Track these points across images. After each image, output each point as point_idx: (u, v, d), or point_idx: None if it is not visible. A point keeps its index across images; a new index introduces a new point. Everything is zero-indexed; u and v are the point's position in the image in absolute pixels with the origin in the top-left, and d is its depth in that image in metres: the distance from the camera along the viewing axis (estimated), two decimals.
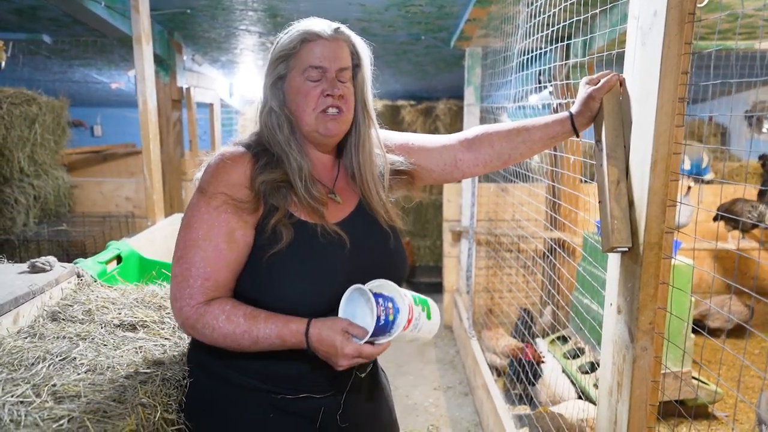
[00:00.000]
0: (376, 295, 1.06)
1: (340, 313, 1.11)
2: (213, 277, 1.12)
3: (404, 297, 1.10)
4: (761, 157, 4.83)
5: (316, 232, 1.17)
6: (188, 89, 5.33)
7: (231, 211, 1.13)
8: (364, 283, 1.13)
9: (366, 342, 1.06)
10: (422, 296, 1.17)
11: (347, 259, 1.19)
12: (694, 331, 3.27)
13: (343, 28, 1.23)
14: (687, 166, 5.00)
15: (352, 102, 1.24)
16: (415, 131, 7.01)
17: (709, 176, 5.02)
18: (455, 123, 6.88)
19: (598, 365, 3.07)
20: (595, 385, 2.97)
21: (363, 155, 1.27)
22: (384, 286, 1.13)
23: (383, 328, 1.06)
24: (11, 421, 0.99)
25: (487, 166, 1.39)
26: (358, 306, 1.11)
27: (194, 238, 1.13)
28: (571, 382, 3.16)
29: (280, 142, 1.20)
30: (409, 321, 1.08)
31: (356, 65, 1.25)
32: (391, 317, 1.06)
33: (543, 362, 3.23)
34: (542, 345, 3.57)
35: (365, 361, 1.09)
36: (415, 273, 6.47)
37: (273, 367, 1.19)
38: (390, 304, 1.07)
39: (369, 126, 1.29)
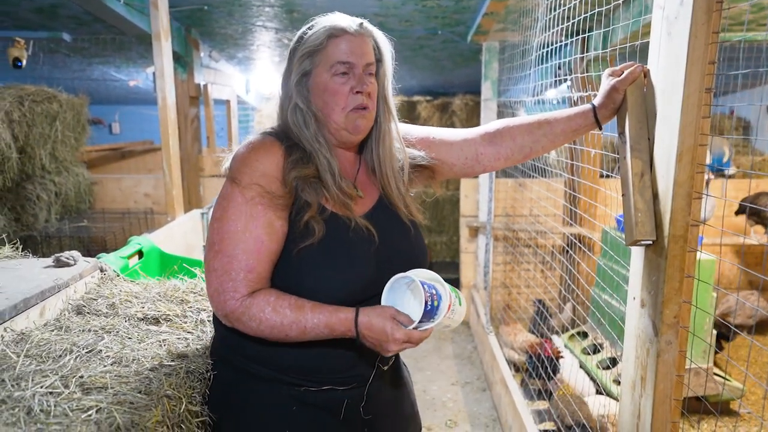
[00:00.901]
0: (422, 282, 1.09)
1: (384, 302, 1.13)
2: (256, 269, 1.13)
3: (444, 284, 1.13)
4: None
5: (348, 226, 1.18)
6: (205, 86, 5.38)
7: (266, 203, 1.13)
8: (389, 275, 1.14)
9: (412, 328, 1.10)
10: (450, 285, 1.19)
11: (373, 252, 1.19)
12: (719, 336, 3.23)
13: (366, 23, 1.22)
14: (708, 160, 4.92)
15: (375, 97, 1.24)
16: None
17: (731, 170, 4.94)
18: (472, 118, 6.85)
19: (618, 361, 3.05)
20: (615, 381, 2.95)
21: (384, 149, 1.27)
22: (423, 274, 1.16)
23: (429, 313, 1.09)
24: (41, 411, 1.00)
25: (509, 160, 1.38)
26: (398, 295, 1.14)
27: (233, 230, 1.13)
28: (591, 378, 3.14)
29: (308, 139, 1.20)
30: (449, 306, 1.12)
31: (378, 60, 1.25)
32: (435, 303, 1.09)
33: (562, 357, 3.21)
34: (559, 342, 3.55)
35: (413, 346, 1.11)
36: (432, 269, 6.44)
37: (296, 359, 1.20)
38: (434, 291, 1.10)
39: (389, 120, 1.29)
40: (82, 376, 1.14)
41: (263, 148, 1.17)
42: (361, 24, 1.21)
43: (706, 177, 3.55)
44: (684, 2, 1.11)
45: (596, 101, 1.30)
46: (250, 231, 1.12)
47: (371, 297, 1.19)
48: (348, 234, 1.17)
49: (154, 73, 3.38)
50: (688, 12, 1.10)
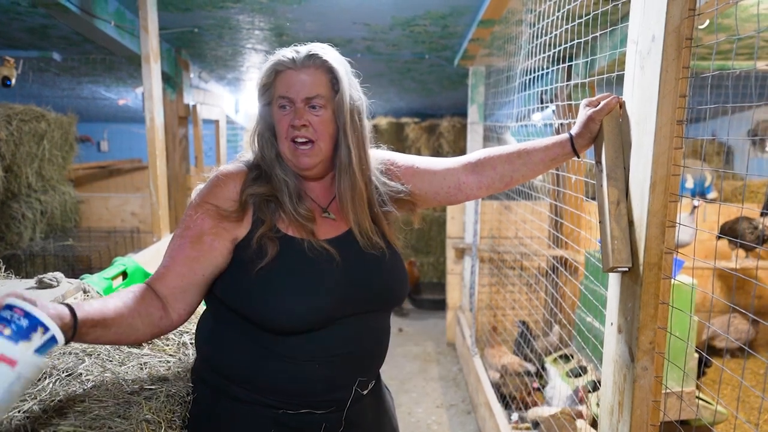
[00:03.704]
0: None
1: None
2: (169, 267, 1.18)
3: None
4: None
5: (303, 248, 1.20)
6: (194, 106, 5.39)
7: (211, 217, 1.19)
8: (365, 298, 1.19)
9: None
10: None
11: (338, 274, 1.21)
12: (706, 361, 3.25)
13: (321, 53, 1.22)
14: (690, 184, 5.00)
15: (325, 128, 1.22)
16: (419, 149, 7.04)
17: (712, 194, 5.03)
18: (459, 140, 6.92)
19: (600, 384, 3.06)
20: (598, 404, 2.95)
21: (344, 181, 1.26)
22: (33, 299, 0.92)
23: None
24: None
25: (490, 189, 1.40)
26: None
27: (173, 236, 1.22)
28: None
29: (267, 162, 1.26)
30: None
31: (335, 91, 1.23)
32: None
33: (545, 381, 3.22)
34: (552, 371, 3.54)
35: None
36: (418, 290, 6.47)
37: (274, 381, 1.20)
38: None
39: (350, 149, 1.25)
40: (61, 400, 1.14)
41: (227, 175, 1.24)
42: (311, 56, 1.21)
43: (695, 203, 3.59)
44: (655, 38, 1.15)
45: (573, 131, 1.33)
46: (182, 237, 1.19)
47: (344, 317, 1.21)
48: (305, 254, 1.20)
49: (143, 93, 3.40)
50: (659, 48, 1.14)
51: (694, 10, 1.12)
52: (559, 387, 3.27)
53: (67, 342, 0.95)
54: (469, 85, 4.72)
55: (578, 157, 1.36)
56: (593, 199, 1.42)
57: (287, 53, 1.22)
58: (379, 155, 1.40)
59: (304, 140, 1.21)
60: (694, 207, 3.78)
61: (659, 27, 1.14)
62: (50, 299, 1.69)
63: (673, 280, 1.24)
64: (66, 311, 0.96)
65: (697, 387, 3.05)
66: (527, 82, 2.62)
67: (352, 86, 1.26)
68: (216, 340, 1.26)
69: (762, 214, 4.23)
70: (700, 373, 3.27)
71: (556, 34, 2.09)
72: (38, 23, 3.88)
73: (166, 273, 1.18)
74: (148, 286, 1.17)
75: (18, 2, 3.40)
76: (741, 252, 4.51)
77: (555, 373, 3.43)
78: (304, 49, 1.23)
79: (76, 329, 0.97)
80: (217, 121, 6.40)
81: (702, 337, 4.37)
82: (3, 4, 3.47)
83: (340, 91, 1.23)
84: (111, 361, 1.41)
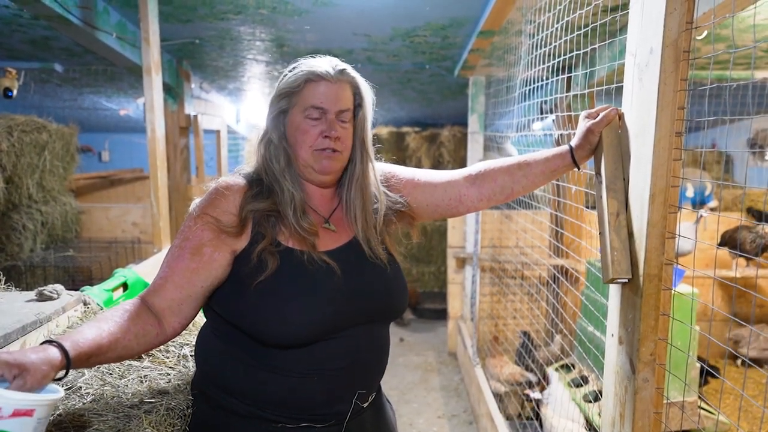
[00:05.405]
0: None
1: None
2: (167, 278, 1.17)
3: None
4: None
5: (303, 260, 1.20)
6: (195, 116, 5.41)
7: (210, 229, 1.18)
8: (363, 311, 1.19)
9: None
10: None
11: (338, 286, 1.21)
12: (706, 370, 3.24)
13: (349, 69, 1.27)
14: (690, 193, 5.01)
15: (349, 142, 1.27)
16: (419, 158, 7.05)
17: (712, 203, 5.03)
18: (459, 150, 6.93)
19: (602, 394, 3.04)
20: (600, 414, 2.94)
21: (356, 191, 1.30)
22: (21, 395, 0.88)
23: None
24: None
25: (491, 201, 1.41)
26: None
27: (171, 247, 1.20)
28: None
29: (275, 173, 1.25)
30: None
31: (358, 105, 1.29)
32: None
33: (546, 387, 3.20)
34: (554, 376, 3.52)
35: None
36: (419, 299, 6.46)
37: (274, 394, 1.20)
38: None
39: (365, 163, 1.32)
40: (60, 415, 1.14)
41: (227, 187, 1.23)
42: (342, 70, 1.25)
43: (698, 214, 3.58)
44: (653, 51, 1.16)
45: (573, 142, 1.34)
46: (180, 248, 1.18)
47: (344, 329, 1.21)
48: (305, 267, 1.19)
49: (144, 104, 3.41)
50: (657, 60, 1.15)
51: (691, 23, 1.13)
52: (559, 394, 3.25)
53: (62, 378, 0.96)
54: (470, 94, 4.74)
55: (578, 169, 1.37)
56: (593, 208, 1.43)
57: (321, 64, 1.24)
58: (380, 168, 1.41)
59: (332, 152, 1.23)
60: (700, 217, 3.77)
61: (657, 40, 1.15)
62: (50, 311, 1.69)
63: (673, 291, 1.24)
64: (56, 356, 0.94)
65: (699, 397, 3.04)
66: (527, 92, 2.63)
67: None
68: (215, 354, 1.26)
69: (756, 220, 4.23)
70: (703, 382, 3.26)
71: (555, 45, 2.10)
72: (40, 35, 3.90)
73: (164, 284, 1.17)
74: (142, 302, 1.16)
75: (20, 14, 3.42)
76: (741, 261, 4.51)
77: (556, 379, 3.42)
78: (332, 63, 1.25)
79: (69, 366, 0.96)
80: (218, 131, 6.42)
81: (705, 345, 4.36)
82: (5, 16, 3.50)
83: (363, 106, 1.29)
84: (111, 374, 1.40)
